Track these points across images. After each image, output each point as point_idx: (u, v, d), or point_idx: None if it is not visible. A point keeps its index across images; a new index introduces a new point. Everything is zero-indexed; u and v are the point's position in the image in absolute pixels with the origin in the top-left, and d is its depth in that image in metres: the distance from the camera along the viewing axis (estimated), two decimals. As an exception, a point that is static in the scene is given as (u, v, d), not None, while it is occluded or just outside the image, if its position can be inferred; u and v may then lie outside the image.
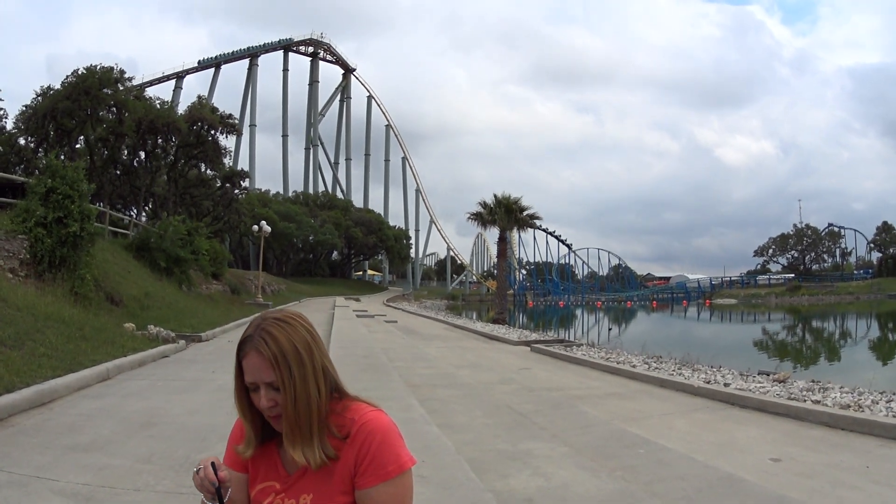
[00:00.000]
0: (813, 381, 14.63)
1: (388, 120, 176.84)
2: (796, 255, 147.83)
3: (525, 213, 51.83)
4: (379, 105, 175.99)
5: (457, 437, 8.66)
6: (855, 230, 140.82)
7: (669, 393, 13.22)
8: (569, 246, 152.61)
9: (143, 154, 52.02)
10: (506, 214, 50.51)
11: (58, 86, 45.96)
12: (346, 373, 13.01)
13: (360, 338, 22.34)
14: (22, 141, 48.37)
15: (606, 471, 7.13)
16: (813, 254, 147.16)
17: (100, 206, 36.23)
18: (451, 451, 7.24)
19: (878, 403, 11.01)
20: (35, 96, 46.86)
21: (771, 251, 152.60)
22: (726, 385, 13.37)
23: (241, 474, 2.82)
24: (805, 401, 11.26)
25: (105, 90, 44.35)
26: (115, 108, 45.72)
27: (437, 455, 7.00)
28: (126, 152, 51.33)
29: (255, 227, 51.74)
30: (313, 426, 2.58)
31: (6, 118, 50.42)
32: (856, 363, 26.47)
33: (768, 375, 15.68)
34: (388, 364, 15.18)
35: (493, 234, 53.23)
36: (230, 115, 58.78)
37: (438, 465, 6.59)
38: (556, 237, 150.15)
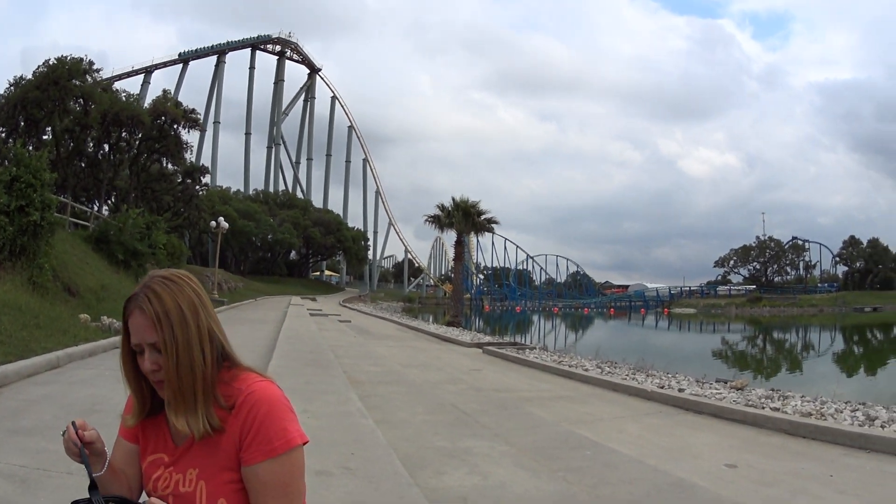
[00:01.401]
0: (772, 390, 14.44)
1: (350, 121, 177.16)
2: (758, 266, 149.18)
3: (483, 217, 51.85)
4: (342, 106, 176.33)
5: (395, 432, 8.47)
6: (820, 244, 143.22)
7: (622, 397, 12.93)
8: (527, 252, 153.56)
9: (107, 146, 51.77)
10: (463, 218, 50.54)
11: (30, 76, 45.95)
12: (289, 367, 12.91)
13: (310, 335, 22.09)
14: None
15: (548, 472, 6.82)
16: (775, 266, 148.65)
17: (63, 197, 35.81)
18: (382, 445, 7.00)
19: (842, 412, 10.77)
20: (7, 86, 46.85)
21: (732, 262, 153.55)
22: (681, 390, 13.10)
23: (133, 445, 2.66)
24: (764, 408, 10.96)
25: (74, 81, 44.31)
26: (82, 100, 45.68)
27: (368, 448, 6.82)
28: (91, 144, 51.24)
29: (214, 224, 51.46)
30: (197, 393, 2.40)
31: None
32: (818, 375, 26.36)
33: (725, 383, 15.48)
34: (334, 360, 14.90)
35: (451, 237, 53.41)
36: (193, 110, 58.53)
37: (368, 459, 6.40)
38: (515, 243, 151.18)
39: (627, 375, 16.21)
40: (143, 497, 2.53)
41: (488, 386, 14.07)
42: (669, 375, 16.96)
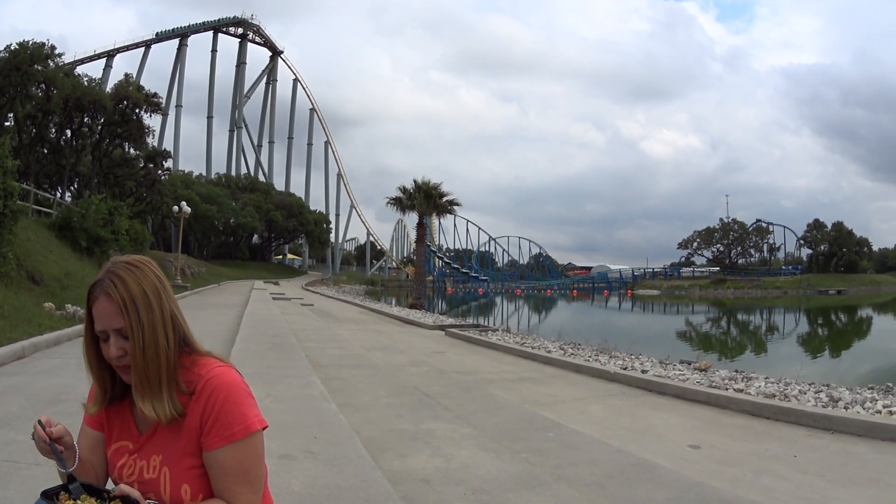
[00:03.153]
0: (736, 371, 14.57)
1: (312, 104, 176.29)
2: (722, 248, 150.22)
3: (444, 198, 51.89)
4: (304, 88, 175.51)
5: (357, 416, 8.50)
6: (784, 227, 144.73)
7: (585, 378, 12.92)
8: (489, 234, 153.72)
9: (69, 132, 51.40)
10: (425, 200, 50.53)
11: None
12: (251, 351, 12.87)
13: (272, 319, 22.05)
14: None
15: (511, 453, 6.81)
16: (739, 248, 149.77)
17: (25, 184, 35.44)
18: (345, 428, 6.96)
19: (805, 393, 10.86)
20: None
21: (696, 244, 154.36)
22: (644, 372, 13.16)
23: (98, 433, 2.70)
24: (727, 389, 11.04)
25: (36, 66, 43.72)
26: (44, 85, 45.17)
27: (331, 432, 6.79)
28: (53, 130, 50.89)
29: (176, 208, 51.17)
30: (162, 377, 2.44)
31: None
32: (782, 357, 26.50)
33: (689, 364, 15.57)
34: (297, 344, 14.87)
35: (413, 219, 53.33)
36: (155, 94, 58.14)
37: (330, 442, 6.37)
38: (477, 225, 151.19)
39: (590, 357, 16.30)
40: (110, 484, 2.54)
41: (451, 368, 14.03)
42: (633, 357, 17.10)
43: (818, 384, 12.45)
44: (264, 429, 2.55)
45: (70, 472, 2.41)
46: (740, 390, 10.97)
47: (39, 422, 2.41)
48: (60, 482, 2.40)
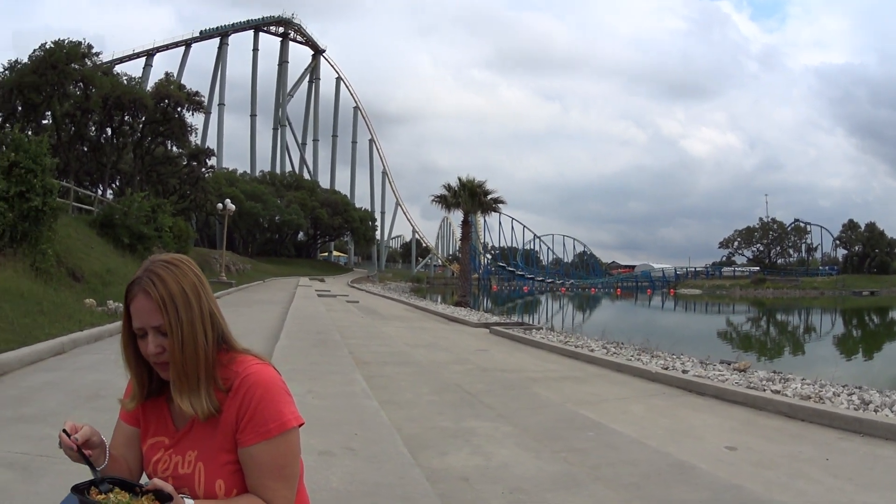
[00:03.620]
0: (774, 372, 14.43)
1: (356, 102, 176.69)
2: (762, 248, 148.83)
3: (489, 196, 51.66)
4: (347, 87, 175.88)
5: (400, 413, 8.51)
6: (821, 227, 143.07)
7: (626, 378, 12.88)
8: (534, 232, 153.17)
9: (109, 130, 51.83)
10: (470, 198, 50.38)
11: (25, 60, 45.59)
12: (295, 347, 12.91)
13: (317, 315, 22.11)
14: None
15: (550, 452, 6.85)
16: (778, 248, 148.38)
17: (65, 182, 35.82)
18: (386, 425, 7.01)
19: (839, 395, 10.76)
20: (2, 70, 46.57)
21: (736, 243, 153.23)
22: (684, 372, 13.10)
23: (134, 428, 2.74)
24: (765, 390, 10.92)
25: (72, 65, 44.05)
26: (81, 84, 45.46)
27: (371, 429, 6.84)
28: (93, 128, 51.11)
29: (220, 206, 51.36)
30: (200, 374, 2.48)
31: None
32: (819, 358, 26.09)
33: (729, 364, 15.50)
34: (341, 341, 14.92)
35: (458, 217, 53.16)
36: (197, 93, 58.43)
37: (371, 439, 6.41)
38: (522, 223, 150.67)
39: (633, 356, 16.20)
40: (144, 479, 2.57)
41: (494, 366, 14.04)
42: (674, 356, 17.02)
43: (851, 386, 12.32)
44: (301, 426, 2.59)
45: (100, 469, 2.46)
46: (777, 391, 10.89)
47: (65, 430, 2.43)
48: (91, 477, 2.41)
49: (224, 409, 2.51)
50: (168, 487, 2.31)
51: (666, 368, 13.56)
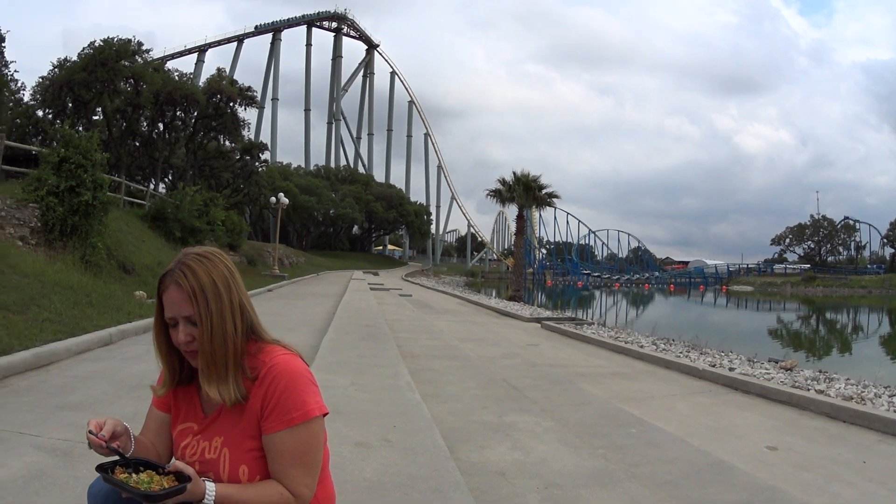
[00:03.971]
0: (819, 371, 14.30)
1: (410, 96, 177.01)
2: (812, 245, 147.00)
3: (544, 191, 51.50)
4: (402, 81, 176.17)
5: (443, 406, 8.60)
6: (870, 224, 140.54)
7: (674, 375, 12.82)
8: (589, 227, 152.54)
9: (161, 125, 52.43)
10: (524, 192, 50.25)
11: (74, 58, 46.41)
12: (343, 340, 13.11)
13: (368, 309, 22.22)
14: (39, 113, 48.69)
15: (589, 449, 6.86)
16: (829, 245, 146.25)
17: (116, 177, 36.32)
18: (426, 418, 7.07)
19: (880, 397, 10.68)
20: (52, 68, 47.51)
21: (788, 240, 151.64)
22: (731, 369, 13.04)
23: (165, 414, 2.95)
24: (809, 390, 10.87)
25: (122, 62, 44.83)
26: (132, 80, 46.17)
27: (411, 421, 6.91)
28: (145, 124, 51.82)
29: (273, 199, 51.68)
30: (229, 362, 2.64)
31: (24, 90, 51.55)
32: (866, 357, 25.70)
33: (776, 363, 15.40)
34: (389, 334, 15.02)
35: (513, 211, 53.11)
36: (249, 88, 59.00)
37: (409, 431, 6.49)
38: (577, 218, 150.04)
39: (681, 353, 16.18)
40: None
41: (543, 361, 14.02)
42: (722, 354, 16.91)
43: (894, 387, 12.18)
44: (325, 415, 2.73)
45: (128, 455, 2.59)
46: (821, 391, 10.83)
47: (90, 431, 2.54)
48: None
49: (250, 396, 2.66)
50: (189, 469, 2.43)
51: (713, 366, 13.48)
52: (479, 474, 5.90)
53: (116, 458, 2.54)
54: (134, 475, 2.47)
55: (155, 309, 2.78)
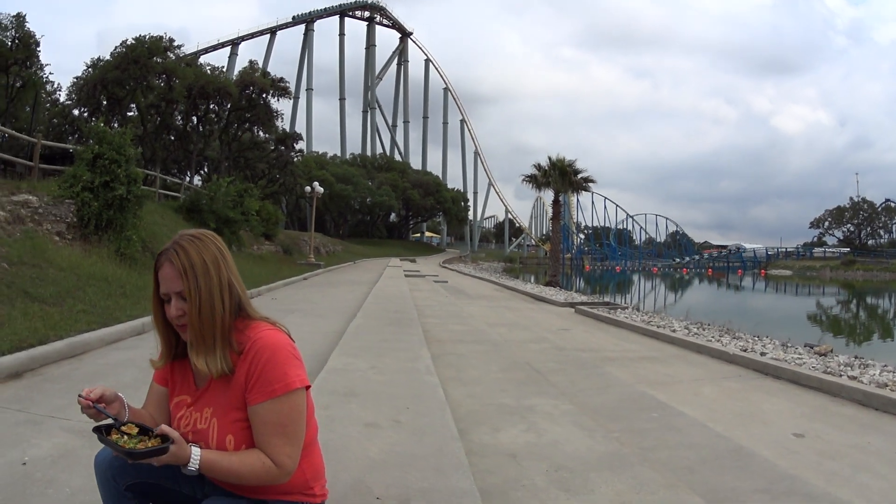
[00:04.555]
0: (855, 357, 13.89)
1: (445, 83, 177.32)
2: (852, 228, 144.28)
3: (579, 175, 51.01)
4: (436, 68, 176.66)
5: (463, 389, 8.65)
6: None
7: (704, 359, 12.55)
8: (626, 212, 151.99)
9: (195, 119, 53.39)
10: (560, 177, 49.92)
11: (108, 57, 47.62)
12: (369, 325, 13.22)
13: (400, 295, 22.42)
14: (76, 112, 49.85)
15: (605, 432, 6.74)
16: (869, 228, 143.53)
17: (151, 171, 37.13)
18: (440, 400, 7.16)
19: None
20: (86, 68, 48.82)
21: (827, 224, 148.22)
22: (763, 354, 12.70)
23: (163, 388, 3.14)
24: (841, 376, 10.49)
25: (155, 59, 45.96)
26: (164, 76, 47.21)
27: (424, 403, 7.03)
28: (179, 118, 52.85)
29: (308, 189, 51.86)
30: (216, 337, 2.82)
31: (60, 91, 53.60)
32: None
33: (812, 348, 15.13)
34: (416, 320, 15.15)
35: (550, 197, 52.68)
36: (281, 79, 59.55)
37: (420, 413, 6.61)
38: (614, 202, 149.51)
39: (713, 337, 15.89)
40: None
41: (572, 345, 13.87)
42: (755, 338, 16.56)
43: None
44: (307, 388, 2.91)
45: (113, 417, 2.79)
46: (854, 377, 10.41)
47: (80, 395, 2.77)
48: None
49: (236, 369, 2.83)
50: (173, 433, 2.61)
51: (745, 350, 13.17)
52: (489, 456, 5.88)
53: (111, 421, 2.75)
54: (125, 436, 2.68)
55: (153, 287, 2.93)
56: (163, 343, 3.02)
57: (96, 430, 2.70)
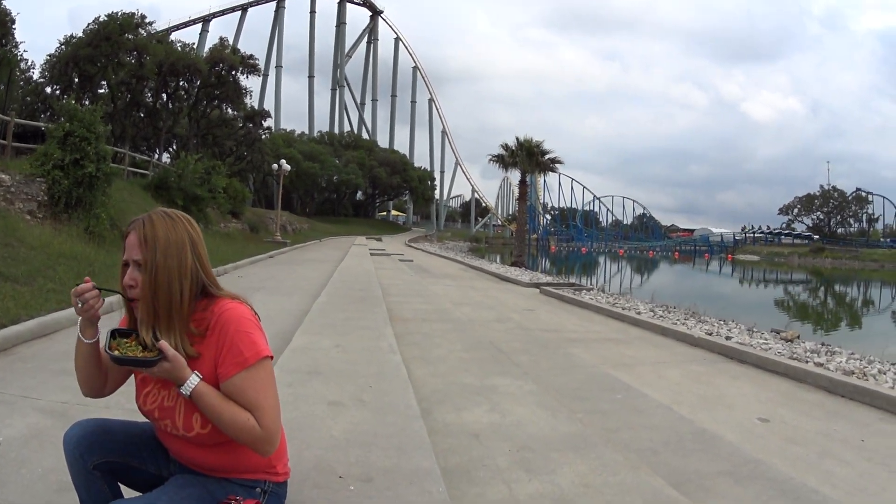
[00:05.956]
0: (821, 344, 13.96)
1: (415, 62, 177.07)
2: (822, 216, 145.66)
3: (547, 156, 51.28)
4: (406, 47, 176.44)
5: (427, 369, 8.62)
6: (884, 197, 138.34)
7: (669, 342, 12.61)
8: (594, 193, 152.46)
9: (165, 96, 53.42)
10: (527, 157, 50.12)
11: (80, 34, 47.17)
12: (333, 304, 13.09)
13: (364, 274, 22.43)
14: (48, 89, 49.92)
15: (568, 412, 6.72)
16: (839, 217, 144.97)
17: (121, 148, 37.05)
18: (403, 379, 7.18)
19: (885, 374, 10.26)
20: (59, 45, 48.32)
21: (796, 210, 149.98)
22: (728, 338, 12.72)
23: None
24: (807, 362, 10.51)
25: (126, 35, 45.71)
26: (136, 52, 46.93)
27: (388, 381, 7.06)
28: (149, 95, 52.83)
29: (275, 166, 51.77)
30: (172, 320, 2.81)
31: (33, 69, 53.36)
32: (876, 332, 25.00)
33: (778, 333, 15.19)
34: (381, 298, 15.16)
35: (517, 177, 52.92)
36: (251, 56, 59.26)
37: (383, 391, 6.64)
38: (581, 184, 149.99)
39: (678, 320, 15.94)
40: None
41: (536, 326, 13.90)
42: (721, 322, 16.67)
43: (900, 364, 11.83)
44: (271, 358, 2.90)
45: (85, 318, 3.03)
46: (820, 364, 10.43)
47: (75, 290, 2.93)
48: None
49: (202, 349, 2.85)
50: (171, 351, 2.71)
51: (710, 334, 13.21)
52: (452, 435, 5.87)
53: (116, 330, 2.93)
54: (124, 339, 2.87)
55: (121, 254, 2.94)
56: (127, 312, 3.02)
57: (113, 331, 2.90)
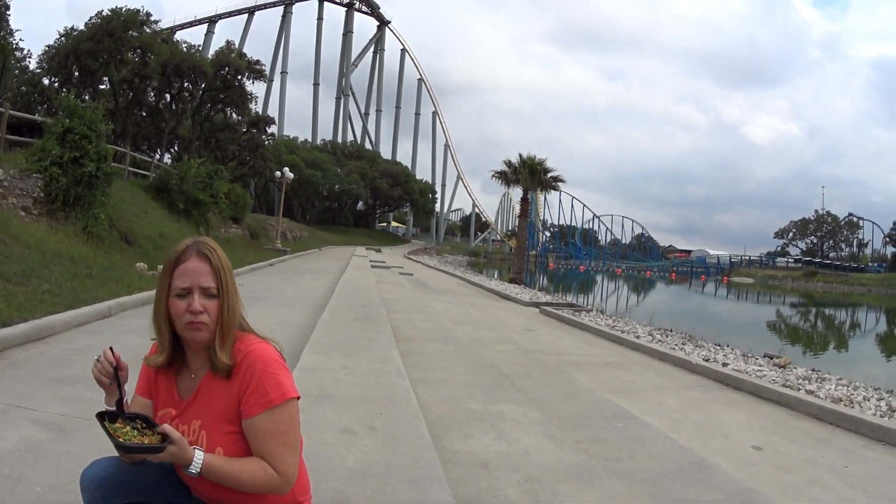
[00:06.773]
0: (812, 370, 14.26)
1: (420, 74, 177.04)
2: (815, 240, 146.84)
3: (549, 174, 51.33)
4: (412, 59, 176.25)
5: (431, 392, 8.56)
6: (873, 223, 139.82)
7: (667, 367, 12.80)
8: (593, 212, 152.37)
9: (168, 96, 52.83)
10: (529, 175, 50.17)
11: (82, 27, 46.53)
12: (337, 320, 13.13)
13: (366, 288, 22.22)
14: (46, 81, 48.83)
15: (573, 442, 6.83)
16: (831, 241, 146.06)
17: (121, 147, 36.68)
18: (413, 406, 7.08)
19: (868, 400, 10.60)
20: (59, 37, 47.63)
21: (791, 234, 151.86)
22: (724, 365, 12.93)
23: (148, 401, 3.08)
24: (799, 389, 10.79)
25: (130, 32, 44.93)
26: (140, 50, 46.28)
27: (398, 408, 6.93)
28: (152, 94, 52.09)
29: (278, 174, 51.77)
30: (234, 336, 2.91)
31: (30, 58, 52.22)
32: (863, 356, 25.22)
33: (771, 359, 15.40)
34: (384, 316, 14.99)
35: (518, 193, 52.90)
36: (258, 61, 59.15)
37: (394, 419, 6.52)
38: (581, 202, 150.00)
39: (677, 345, 16.14)
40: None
41: (537, 348, 14.02)
42: (717, 347, 16.93)
43: (882, 390, 12.16)
44: (297, 399, 2.91)
45: (124, 397, 2.90)
46: (811, 392, 10.75)
47: (111, 349, 2.88)
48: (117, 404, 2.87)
49: (230, 381, 2.87)
50: (175, 434, 2.64)
51: (707, 360, 13.43)
52: (462, 464, 5.89)
53: (112, 409, 2.83)
54: (128, 427, 2.73)
55: (164, 280, 2.92)
56: (166, 341, 2.96)
57: (100, 415, 2.77)
